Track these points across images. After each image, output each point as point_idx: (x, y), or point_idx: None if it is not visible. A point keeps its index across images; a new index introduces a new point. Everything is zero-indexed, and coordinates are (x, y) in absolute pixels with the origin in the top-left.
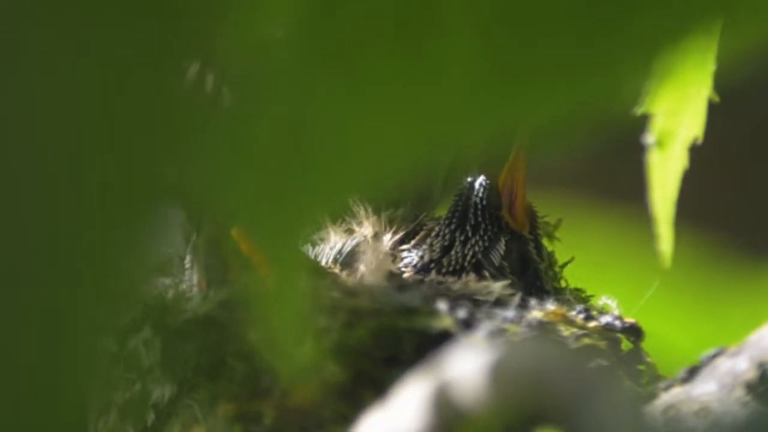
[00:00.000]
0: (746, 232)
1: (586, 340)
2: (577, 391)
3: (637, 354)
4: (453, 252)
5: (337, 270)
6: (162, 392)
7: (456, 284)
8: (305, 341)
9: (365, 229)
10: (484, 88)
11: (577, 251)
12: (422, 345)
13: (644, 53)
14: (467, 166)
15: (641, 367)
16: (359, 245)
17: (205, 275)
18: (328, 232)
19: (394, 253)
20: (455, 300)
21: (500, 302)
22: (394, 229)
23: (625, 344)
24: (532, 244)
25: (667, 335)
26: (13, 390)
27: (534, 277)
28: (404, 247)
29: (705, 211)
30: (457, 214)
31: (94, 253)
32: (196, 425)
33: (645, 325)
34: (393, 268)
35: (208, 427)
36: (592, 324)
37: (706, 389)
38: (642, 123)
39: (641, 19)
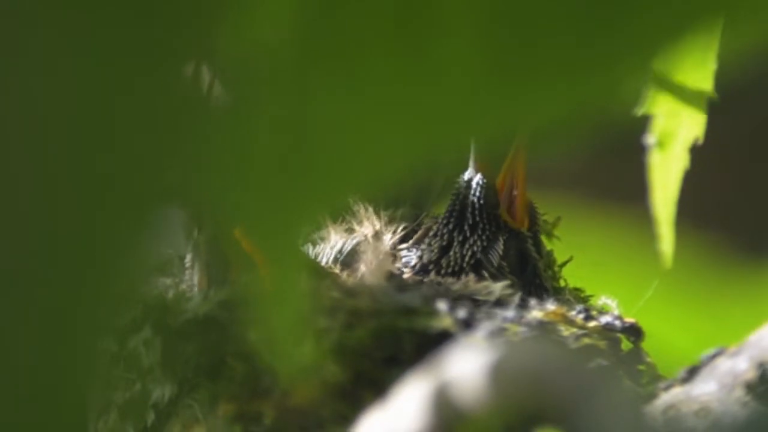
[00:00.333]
0: (746, 232)
1: (586, 340)
2: (577, 391)
3: (637, 354)
4: (451, 252)
5: (337, 270)
6: (162, 392)
7: (456, 284)
8: (305, 341)
9: (365, 229)
10: (484, 88)
11: (578, 251)
12: (422, 345)
13: (644, 53)
14: (465, 164)
15: (641, 367)
16: (359, 245)
17: (206, 275)
18: (328, 232)
19: (395, 253)
20: (455, 300)
21: (500, 302)
22: (394, 228)
23: (625, 344)
24: (530, 242)
25: (667, 335)
26: (14, 390)
27: (533, 275)
28: (402, 246)
29: (705, 211)
30: (454, 214)
31: (95, 253)
32: (197, 425)
33: (645, 325)
34: (393, 268)
35: (208, 427)
36: (592, 324)
37: (706, 389)
38: (642, 123)
39: (641, 19)
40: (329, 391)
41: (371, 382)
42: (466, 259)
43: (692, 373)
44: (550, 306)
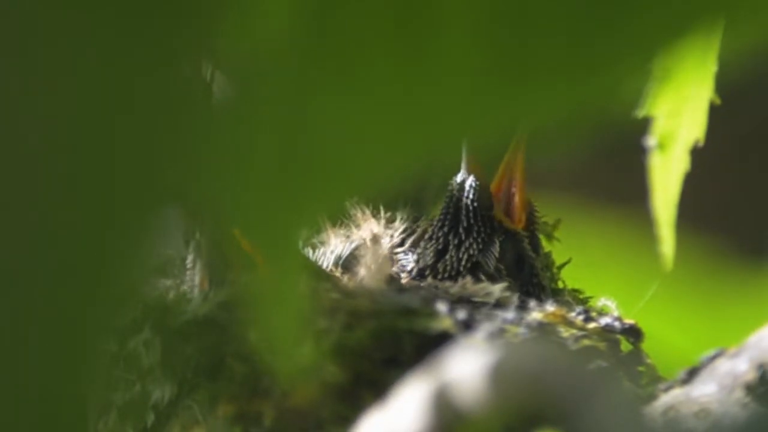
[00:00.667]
0: (746, 234)
1: (586, 342)
2: (577, 392)
3: (636, 355)
4: (448, 256)
5: (337, 273)
6: (162, 393)
7: (454, 287)
8: (305, 342)
9: (364, 232)
10: (484, 88)
11: (578, 253)
12: (422, 346)
13: (644, 54)
14: (459, 166)
15: (641, 369)
16: (359, 248)
17: (208, 275)
18: (328, 235)
19: (393, 257)
20: (455, 302)
21: (500, 304)
22: (392, 231)
23: (625, 345)
24: (526, 241)
25: (666, 337)
26: (14, 390)
27: (530, 275)
28: (399, 250)
29: (705, 213)
30: (448, 217)
31: (95, 253)
32: (196, 426)
33: (645, 327)
34: (392, 271)
35: (208, 428)
36: (591, 325)
37: (705, 390)
38: (643, 125)
39: (641, 19)
40: (329, 391)
41: (371, 383)
42: (463, 262)
43: (692, 374)
44: (550, 307)
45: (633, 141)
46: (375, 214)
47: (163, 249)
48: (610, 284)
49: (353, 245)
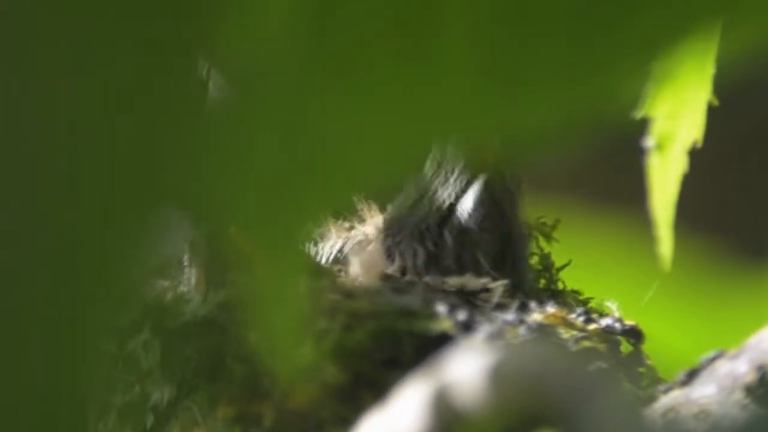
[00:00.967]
0: (745, 234)
1: (586, 343)
2: (577, 393)
3: (636, 356)
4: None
5: (336, 270)
6: (161, 394)
7: (454, 283)
8: (305, 343)
9: (365, 228)
10: (483, 88)
11: (577, 254)
12: (422, 347)
13: (643, 55)
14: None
15: (641, 370)
16: (359, 244)
17: (204, 275)
18: (328, 231)
19: (391, 251)
20: (454, 303)
21: (500, 305)
22: (390, 227)
23: (625, 347)
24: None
25: (666, 338)
26: (14, 391)
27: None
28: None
29: (704, 213)
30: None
31: (95, 254)
32: (196, 427)
33: (645, 328)
34: (389, 269)
35: (207, 429)
36: (592, 326)
37: (705, 392)
38: (641, 126)
39: (640, 20)
40: (329, 392)
41: (371, 384)
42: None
43: (692, 375)
44: (550, 309)
45: (632, 142)
46: (382, 210)
47: (162, 250)
48: (610, 285)
49: (353, 241)
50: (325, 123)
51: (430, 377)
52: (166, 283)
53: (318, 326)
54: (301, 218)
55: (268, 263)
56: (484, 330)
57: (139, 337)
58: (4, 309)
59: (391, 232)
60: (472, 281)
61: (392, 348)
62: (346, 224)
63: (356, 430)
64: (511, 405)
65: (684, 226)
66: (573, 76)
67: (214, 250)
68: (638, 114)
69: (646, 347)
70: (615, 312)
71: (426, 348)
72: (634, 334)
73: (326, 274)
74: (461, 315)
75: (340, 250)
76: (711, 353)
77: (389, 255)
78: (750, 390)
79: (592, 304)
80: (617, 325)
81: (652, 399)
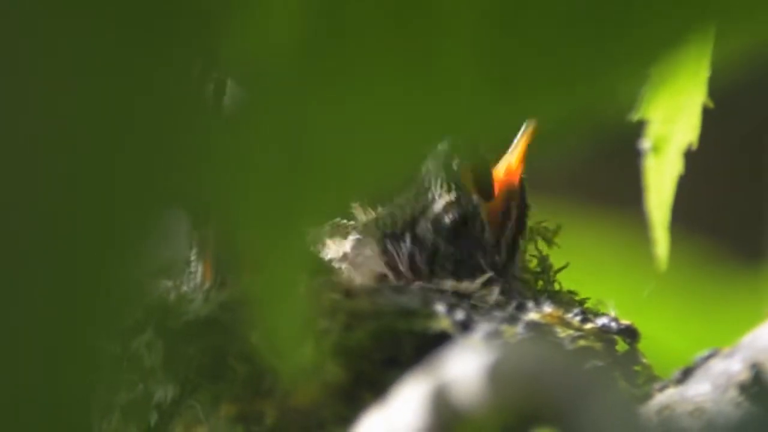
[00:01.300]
0: (739, 235)
1: (583, 342)
2: (574, 391)
3: (632, 355)
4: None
5: (336, 271)
6: (164, 393)
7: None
8: (306, 343)
9: (363, 230)
10: (483, 91)
11: (574, 254)
12: (421, 346)
13: (640, 59)
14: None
15: (637, 368)
16: (357, 245)
17: (207, 275)
18: (327, 233)
19: (388, 252)
20: (453, 302)
21: (498, 304)
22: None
23: (621, 346)
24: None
25: (662, 337)
26: (19, 391)
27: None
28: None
29: (699, 214)
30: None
31: (99, 254)
32: (199, 426)
33: (640, 327)
34: (386, 269)
35: (210, 428)
36: (588, 326)
37: (700, 390)
38: (638, 128)
39: (638, 25)
40: (330, 391)
41: (371, 383)
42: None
43: (686, 374)
44: (547, 308)
45: (628, 144)
46: (373, 212)
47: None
48: (606, 285)
49: (352, 242)
50: (327, 124)
51: (429, 376)
52: (169, 283)
53: (319, 326)
54: (303, 219)
55: (270, 263)
56: (482, 329)
57: (143, 337)
58: (8, 309)
59: (387, 233)
60: (466, 283)
61: (392, 347)
62: (344, 225)
63: (357, 429)
64: (508, 403)
65: (679, 227)
66: (571, 79)
67: (216, 250)
68: (635, 117)
69: (642, 346)
70: (611, 311)
71: (425, 347)
72: (630, 333)
73: (326, 274)
74: (459, 314)
75: (339, 251)
76: (705, 352)
77: (385, 256)
78: (744, 388)
79: (588, 304)
80: (613, 325)
81: (648, 397)
